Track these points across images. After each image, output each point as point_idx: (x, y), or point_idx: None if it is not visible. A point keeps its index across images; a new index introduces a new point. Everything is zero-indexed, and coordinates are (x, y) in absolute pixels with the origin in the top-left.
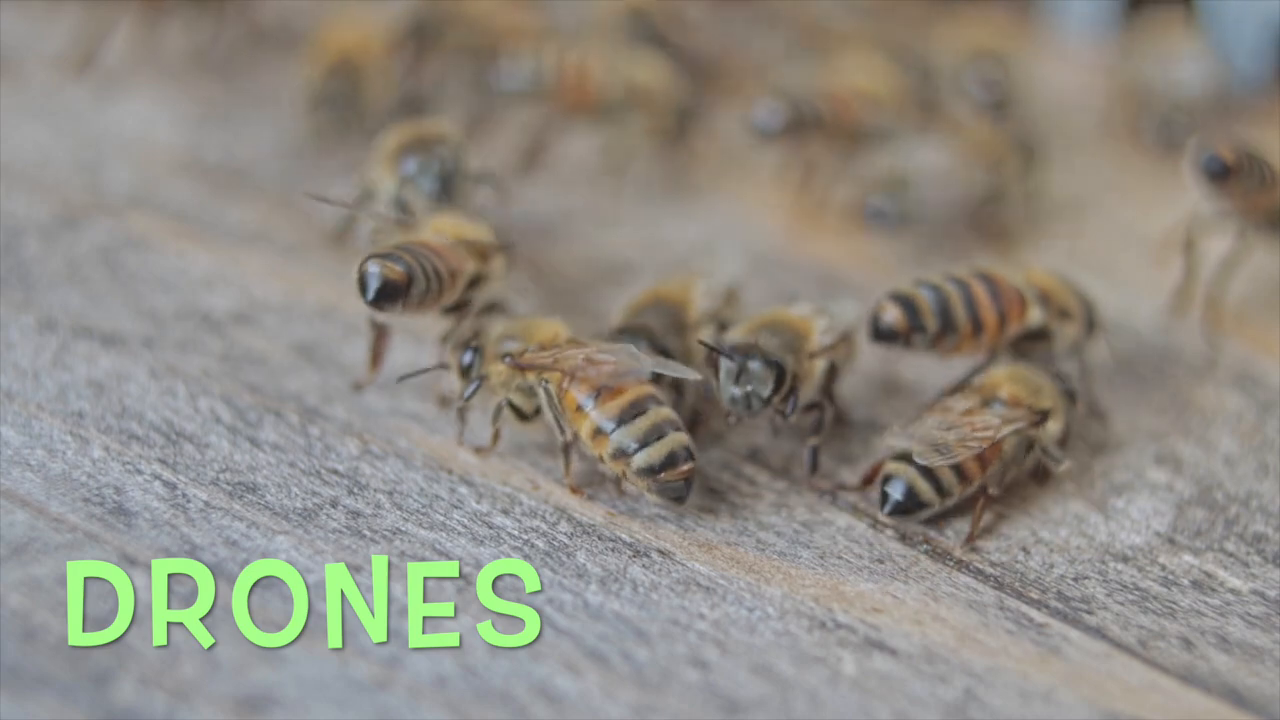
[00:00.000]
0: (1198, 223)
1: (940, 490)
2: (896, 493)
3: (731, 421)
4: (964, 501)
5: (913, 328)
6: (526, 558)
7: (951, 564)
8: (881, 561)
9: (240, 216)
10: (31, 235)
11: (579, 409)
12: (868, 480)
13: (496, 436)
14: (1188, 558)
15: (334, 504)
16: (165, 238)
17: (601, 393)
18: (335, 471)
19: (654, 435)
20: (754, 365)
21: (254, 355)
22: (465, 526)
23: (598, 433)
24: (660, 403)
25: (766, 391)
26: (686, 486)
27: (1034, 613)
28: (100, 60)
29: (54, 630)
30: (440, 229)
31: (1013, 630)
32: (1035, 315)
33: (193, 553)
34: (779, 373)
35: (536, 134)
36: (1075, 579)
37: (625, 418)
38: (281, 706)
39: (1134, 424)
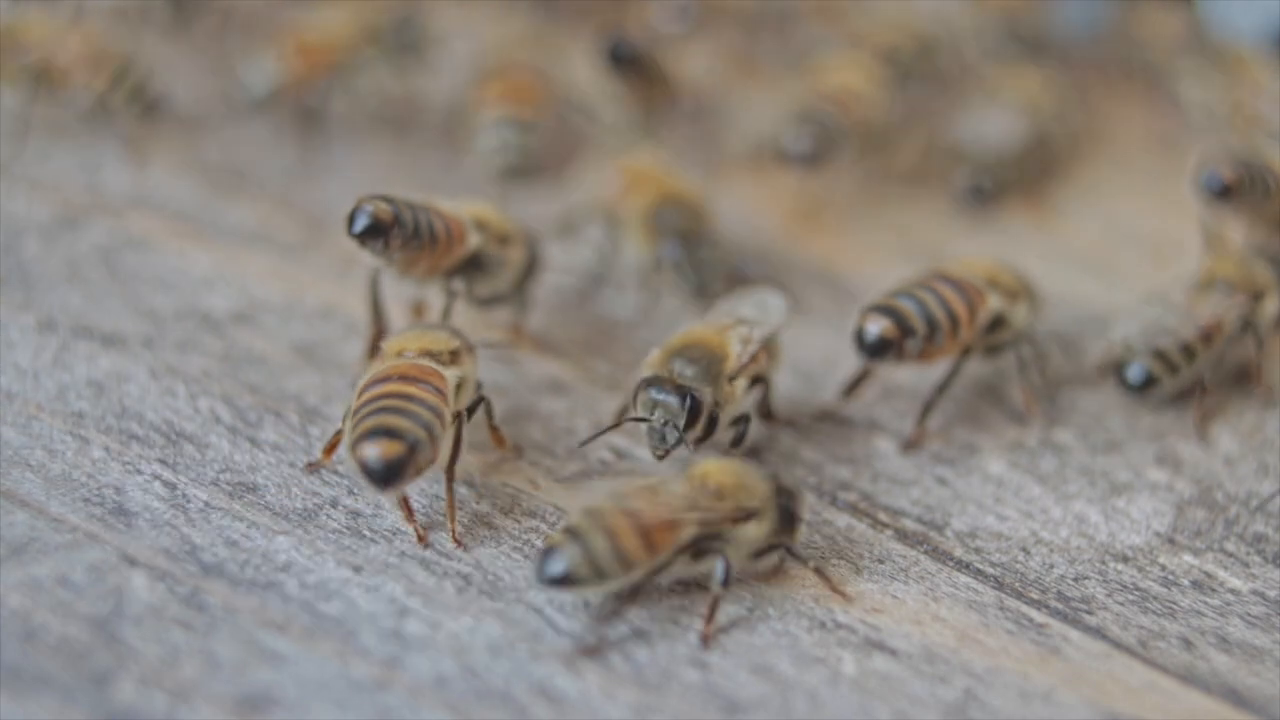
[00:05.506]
0: (1208, 220)
1: (596, 568)
2: (554, 566)
3: (658, 456)
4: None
5: (903, 334)
6: (526, 558)
7: (951, 564)
8: (881, 561)
9: (240, 216)
10: (31, 235)
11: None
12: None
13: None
14: (1188, 558)
15: (334, 504)
16: (165, 238)
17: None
18: (335, 471)
19: (364, 417)
20: (670, 400)
21: (254, 355)
22: (465, 526)
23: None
24: (404, 395)
25: (679, 431)
26: (381, 472)
27: (1034, 613)
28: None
29: (54, 630)
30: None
31: (1013, 630)
32: (994, 301)
33: (193, 553)
34: (694, 406)
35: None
36: (1075, 579)
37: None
38: (281, 706)
39: (1134, 424)
